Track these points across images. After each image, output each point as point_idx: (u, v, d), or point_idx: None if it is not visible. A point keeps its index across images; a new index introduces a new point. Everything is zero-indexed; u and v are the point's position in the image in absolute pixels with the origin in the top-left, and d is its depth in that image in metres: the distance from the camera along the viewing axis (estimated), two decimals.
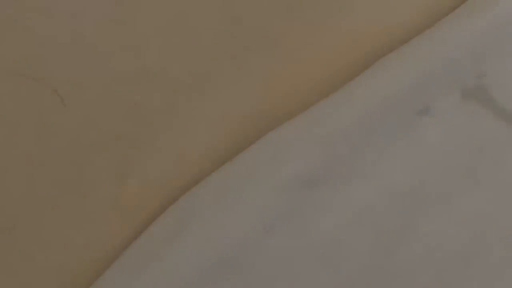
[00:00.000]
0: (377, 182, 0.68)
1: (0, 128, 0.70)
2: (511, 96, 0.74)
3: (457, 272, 0.64)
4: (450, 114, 0.73)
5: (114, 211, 0.73)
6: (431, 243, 0.64)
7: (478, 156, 0.70)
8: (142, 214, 0.74)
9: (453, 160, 0.70)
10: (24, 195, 0.69)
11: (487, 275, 0.64)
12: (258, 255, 0.65)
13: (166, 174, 0.74)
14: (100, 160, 0.72)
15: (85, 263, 0.70)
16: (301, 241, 0.66)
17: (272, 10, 0.76)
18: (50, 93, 0.70)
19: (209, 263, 0.65)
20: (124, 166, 0.74)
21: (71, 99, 0.71)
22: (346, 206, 0.67)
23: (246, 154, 0.73)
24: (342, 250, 0.65)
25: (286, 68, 0.78)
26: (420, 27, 0.83)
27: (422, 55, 0.78)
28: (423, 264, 0.64)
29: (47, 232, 0.69)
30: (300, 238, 0.66)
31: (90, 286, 0.67)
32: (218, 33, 0.75)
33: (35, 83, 0.71)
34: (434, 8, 0.85)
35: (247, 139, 0.76)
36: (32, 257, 0.69)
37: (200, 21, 0.76)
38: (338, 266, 0.64)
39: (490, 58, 0.78)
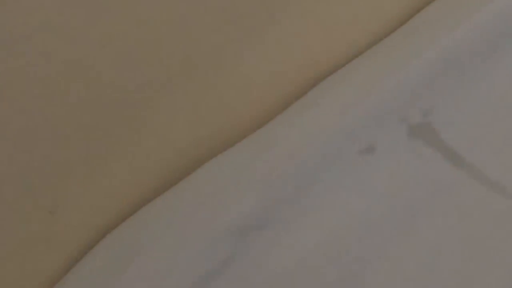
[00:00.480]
0: (320, 228, 0.65)
1: None
2: (458, 135, 0.71)
3: None
4: (395, 153, 0.71)
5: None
6: None
7: (423, 201, 0.67)
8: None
9: (397, 204, 0.67)
10: None
11: None
12: None
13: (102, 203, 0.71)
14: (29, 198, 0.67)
15: None
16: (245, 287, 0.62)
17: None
18: None
19: None
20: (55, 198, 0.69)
21: None
22: (290, 251, 0.64)
23: (186, 194, 0.69)
24: None
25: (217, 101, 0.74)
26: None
27: (364, 87, 0.75)
28: None
29: None
30: (244, 284, 0.62)
31: None
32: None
33: None
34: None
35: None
36: None
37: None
38: None
39: (437, 92, 0.75)
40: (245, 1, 0.72)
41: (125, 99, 0.68)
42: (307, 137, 0.70)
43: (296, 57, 0.78)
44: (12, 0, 0.58)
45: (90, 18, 0.63)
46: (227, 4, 0.71)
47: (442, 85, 0.74)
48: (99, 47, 0.65)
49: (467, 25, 0.77)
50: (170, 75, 0.70)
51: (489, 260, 0.63)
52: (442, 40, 0.77)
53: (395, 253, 0.64)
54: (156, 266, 0.65)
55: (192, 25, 0.70)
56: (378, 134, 0.72)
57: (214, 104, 0.74)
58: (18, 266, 0.68)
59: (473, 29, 0.77)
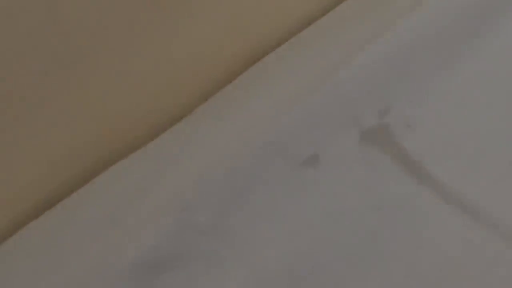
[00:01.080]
0: (245, 264, 0.51)
1: None
2: (418, 140, 0.58)
3: None
4: (343, 164, 0.57)
5: None
6: None
7: (375, 219, 0.53)
8: None
9: (345, 227, 0.53)
10: None
11: None
12: None
13: None
14: None
15: None
16: None
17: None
18: None
19: None
20: None
21: None
22: None
23: (76, 227, 0.54)
24: None
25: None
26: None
27: (303, 84, 0.62)
28: None
29: None
30: None
31: None
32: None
33: None
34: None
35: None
36: None
37: None
38: None
39: (395, 88, 0.62)
40: None
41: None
42: (229, 149, 0.56)
43: (208, 52, 0.64)
44: None
45: None
46: None
47: (400, 77, 0.61)
48: None
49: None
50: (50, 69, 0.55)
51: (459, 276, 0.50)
52: (397, 27, 0.64)
53: (352, 283, 0.50)
54: None
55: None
56: (324, 140, 0.58)
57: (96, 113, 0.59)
58: None
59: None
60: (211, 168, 0.55)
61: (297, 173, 0.56)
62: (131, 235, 0.52)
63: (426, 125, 0.59)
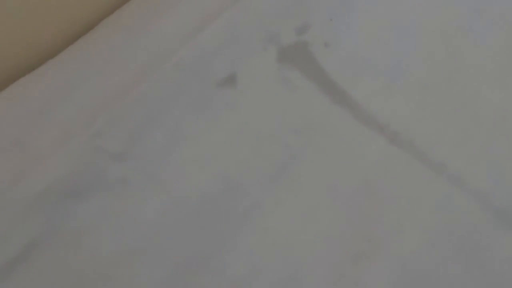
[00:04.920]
0: (160, 190, 0.49)
1: None
2: (335, 59, 0.56)
3: None
4: (261, 83, 0.55)
5: None
6: (229, 270, 0.47)
7: (293, 140, 0.52)
8: None
9: (266, 148, 0.52)
10: None
11: None
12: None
13: None
14: None
15: None
16: (64, 263, 0.46)
17: None
18: None
19: None
20: None
21: None
22: (119, 227, 0.48)
23: None
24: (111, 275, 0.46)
25: None
26: None
27: (222, 2, 0.58)
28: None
29: None
30: (63, 259, 0.46)
31: None
32: None
33: None
34: None
35: None
36: None
37: None
38: None
39: (312, 5, 0.59)
40: None
41: None
42: (140, 69, 0.52)
43: None
44: None
45: None
46: None
47: None
48: None
49: None
50: None
51: (376, 196, 0.51)
52: None
53: (267, 206, 0.50)
54: None
55: None
56: (241, 59, 0.55)
57: None
58: None
59: None
60: (121, 89, 0.51)
61: (214, 94, 0.53)
62: (38, 161, 0.48)
63: (343, 44, 0.57)
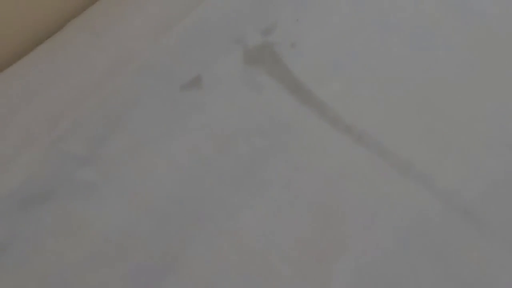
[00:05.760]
0: (124, 193, 0.49)
1: None
2: (302, 60, 0.57)
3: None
4: (227, 85, 0.55)
5: None
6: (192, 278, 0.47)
7: (260, 142, 0.53)
8: None
9: (230, 150, 0.52)
10: None
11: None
12: None
13: None
14: None
15: None
16: (28, 267, 0.46)
17: None
18: None
19: None
20: None
21: None
22: (84, 232, 0.48)
23: None
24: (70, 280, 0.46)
25: None
26: None
27: (186, 4, 0.58)
28: None
29: None
30: (27, 263, 0.46)
31: None
32: None
33: None
34: None
35: None
36: None
37: None
38: None
39: (278, 6, 0.59)
40: None
41: None
42: (105, 71, 0.52)
43: None
44: None
45: None
46: None
47: None
48: None
49: None
50: None
51: (341, 195, 0.51)
52: None
53: (232, 207, 0.50)
54: None
55: None
56: (206, 61, 0.55)
57: None
58: None
59: None
60: (85, 91, 0.52)
61: (179, 96, 0.53)
62: (1, 166, 0.48)
63: (310, 45, 0.57)
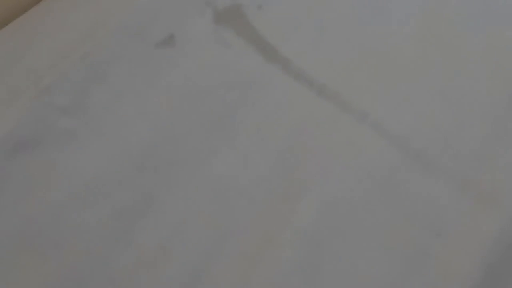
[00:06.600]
0: (103, 142, 0.53)
1: None
2: (268, 21, 0.61)
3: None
4: (199, 43, 0.59)
5: None
6: (169, 216, 0.52)
7: (229, 96, 0.57)
8: None
9: (201, 105, 0.56)
10: None
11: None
12: None
13: None
14: None
15: None
16: (13, 214, 0.50)
17: None
18: None
19: None
20: None
21: None
22: (63, 181, 0.52)
23: None
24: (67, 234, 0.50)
25: None
26: None
27: None
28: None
29: None
30: (12, 211, 0.50)
31: None
32: None
33: None
34: None
35: None
36: None
37: None
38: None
39: None
40: None
41: None
42: (85, 31, 0.56)
43: None
44: None
45: None
46: None
47: None
48: None
49: None
50: None
51: (304, 144, 0.55)
52: None
53: (204, 154, 0.54)
54: None
55: None
56: (178, 22, 0.60)
57: None
58: None
59: None
60: (67, 50, 0.56)
61: (154, 54, 0.58)
62: None
63: (275, 6, 0.62)
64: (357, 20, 0.63)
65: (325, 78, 0.59)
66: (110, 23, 0.58)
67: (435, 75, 0.60)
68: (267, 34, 0.61)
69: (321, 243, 0.51)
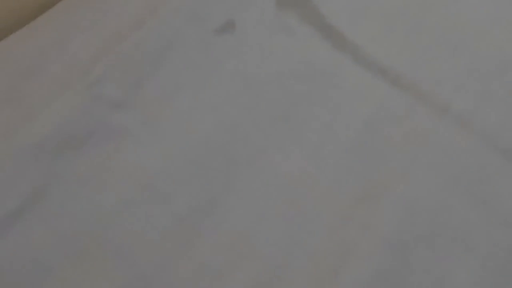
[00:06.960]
0: (160, 138, 0.48)
1: None
2: (338, 3, 0.56)
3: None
4: (261, 29, 0.54)
5: None
6: (225, 223, 0.46)
7: (294, 86, 0.51)
8: None
9: (265, 95, 0.51)
10: None
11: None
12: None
13: None
14: None
15: None
16: (65, 213, 0.45)
17: None
18: None
19: None
20: None
21: None
22: (121, 179, 0.47)
23: None
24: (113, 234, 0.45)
25: None
26: None
27: None
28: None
29: None
30: (63, 210, 0.45)
31: None
32: None
33: None
34: None
35: None
36: None
37: None
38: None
39: None
40: None
41: None
42: (136, 16, 0.51)
43: None
44: None
45: None
46: None
47: None
48: None
49: None
50: None
51: (379, 139, 0.50)
52: None
53: (271, 151, 0.49)
54: None
55: None
56: (238, 6, 0.54)
57: None
58: None
59: None
60: (118, 37, 0.50)
61: (212, 41, 0.52)
62: (33, 114, 0.47)
63: None
64: (435, 4, 0.57)
65: (400, 66, 0.53)
66: (163, 8, 0.52)
67: None
68: (333, 18, 0.55)
69: (407, 252, 0.46)
